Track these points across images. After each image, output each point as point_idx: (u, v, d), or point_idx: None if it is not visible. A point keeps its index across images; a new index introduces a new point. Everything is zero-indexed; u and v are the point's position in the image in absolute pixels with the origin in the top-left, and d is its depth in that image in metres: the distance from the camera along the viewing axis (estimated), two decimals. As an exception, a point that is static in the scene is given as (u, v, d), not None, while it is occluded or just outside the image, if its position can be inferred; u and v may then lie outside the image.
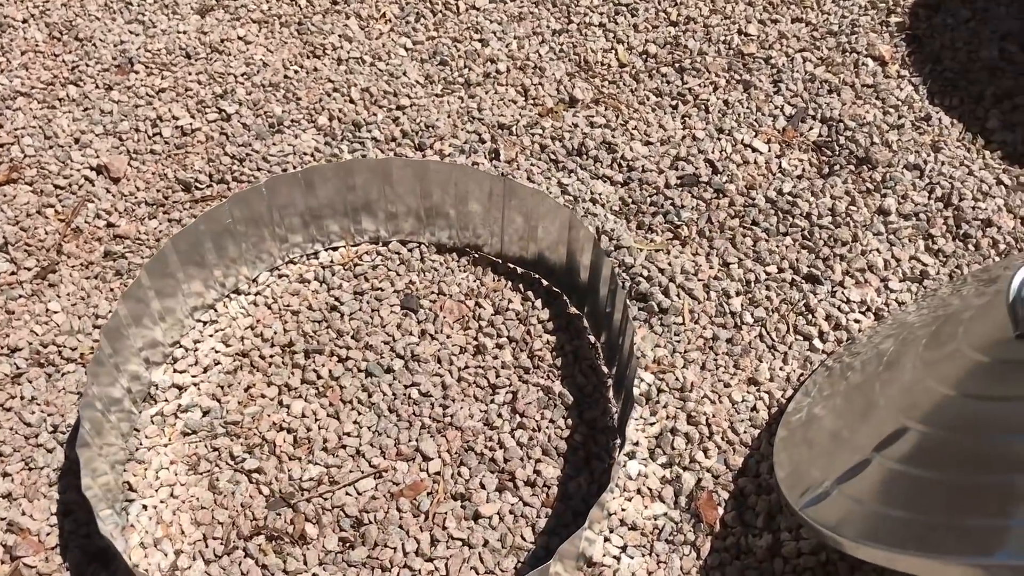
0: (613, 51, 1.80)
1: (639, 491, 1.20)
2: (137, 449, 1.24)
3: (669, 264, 1.43)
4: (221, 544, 1.16)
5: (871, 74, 1.73)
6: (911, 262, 1.44)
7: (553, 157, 1.60)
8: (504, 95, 1.71)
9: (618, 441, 1.24)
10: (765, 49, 1.78)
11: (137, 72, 1.74)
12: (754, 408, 1.28)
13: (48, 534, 1.16)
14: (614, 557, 1.15)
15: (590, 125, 1.65)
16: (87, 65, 1.75)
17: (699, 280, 1.42)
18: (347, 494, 1.20)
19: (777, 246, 1.46)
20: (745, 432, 1.26)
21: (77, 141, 1.63)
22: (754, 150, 1.60)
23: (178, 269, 1.29)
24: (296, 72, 1.75)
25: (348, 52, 1.79)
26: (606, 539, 1.16)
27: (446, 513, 1.18)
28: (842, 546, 0.94)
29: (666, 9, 1.88)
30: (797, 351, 1.35)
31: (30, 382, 1.30)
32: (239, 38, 1.82)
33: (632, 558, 1.15)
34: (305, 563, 1.14)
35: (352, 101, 1.70)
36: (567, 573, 1.09)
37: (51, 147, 1.62)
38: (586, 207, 1.52)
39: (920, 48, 1.78)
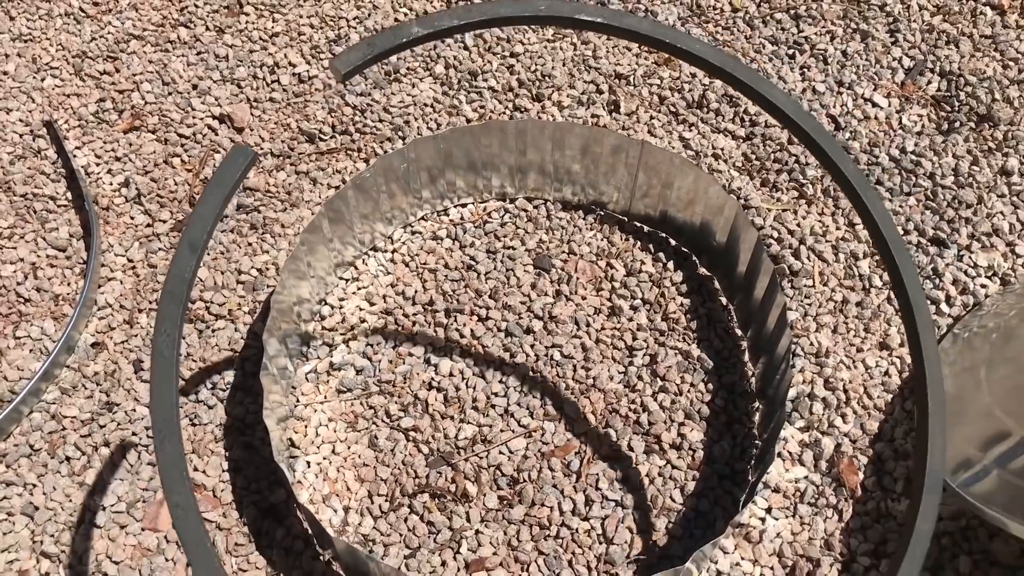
0: (725, -5, 1.77)
1: (779, 455, 1.26)
2: (296, 406, 1.29)
3: (798, 225, 1.45)
4: (386, 501, 1.22)
5: (989, 24, 1.70)
6: (1036, 226, 1.46)
7: (673, 110, 1.60)
8: (618, 42, 1.70)
9: (757, 404, 1.29)
10: (881, -5, 1.75)
11: (247, 14, 1.73)
12: (886, 373, 1.32)
13: (223, 490, 1.22)
14: (759, 519, 1.21)
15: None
16: (196, 6, 1.74)
17: (827, 242, 1.44)
18: (500, 453, 1.25)
19: (901, 206, 1.48)
20: (879, 397, 1.30)
21: (195, 87, 1.63)
22: (874, 104, 1.60)
23: (327, 228, 1.32)
24: (407, 15, 1.74)
25: (457, -6, 1.77)
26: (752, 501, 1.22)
27: (597, 474, 1.23)
28: (1008, 527, 0.99)
29: (777, -50, 1.84)
30: (924, 315, 1.37)
31: (183, 338, 1.35)
32: (346, -23, 1.79)
33: (776, 519, 1.21)
34: (468, 520, 1.20)
35: (466, 48, 1.69)
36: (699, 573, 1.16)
37: (170, 93, 1.62)
38: (708, 163, 1.53)
39: (1040, -4, 1.75)
